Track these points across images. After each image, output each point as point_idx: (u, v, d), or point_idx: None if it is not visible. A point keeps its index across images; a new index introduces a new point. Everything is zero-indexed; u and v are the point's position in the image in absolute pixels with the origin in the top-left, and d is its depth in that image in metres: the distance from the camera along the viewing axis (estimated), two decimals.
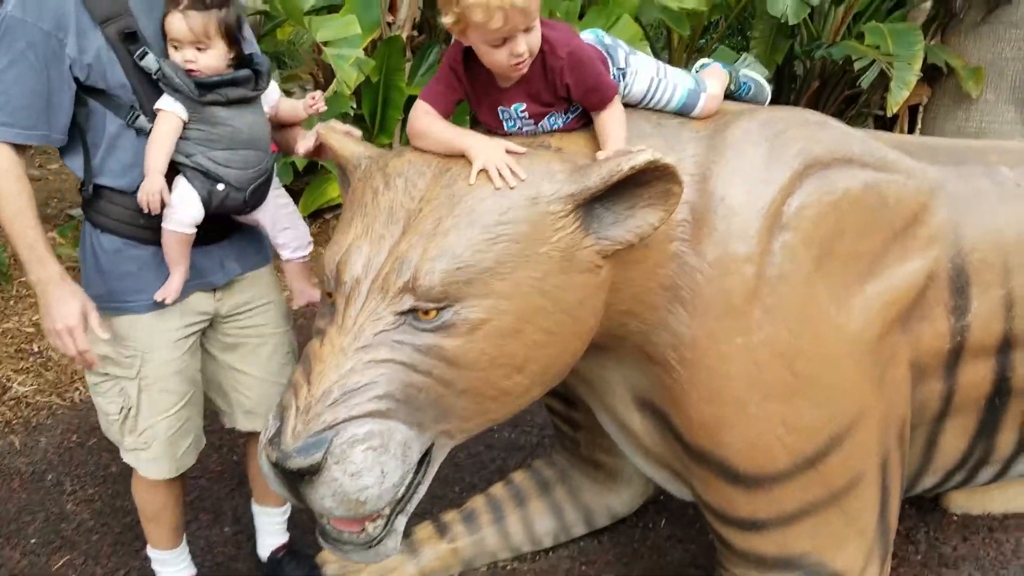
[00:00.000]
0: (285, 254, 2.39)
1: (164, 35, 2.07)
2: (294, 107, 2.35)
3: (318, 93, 2.33)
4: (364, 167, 1.97)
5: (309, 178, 5.65)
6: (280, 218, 2.34)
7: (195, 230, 2.14)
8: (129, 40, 2.02)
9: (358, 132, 2.20)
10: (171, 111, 2.05)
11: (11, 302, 4.39)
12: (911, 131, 6.75)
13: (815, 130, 2.17)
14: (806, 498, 2.12)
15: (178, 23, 2.03)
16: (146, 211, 2.08)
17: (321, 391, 1.68)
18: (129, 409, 2.27)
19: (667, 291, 2.04)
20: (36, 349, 4.07)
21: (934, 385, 2.30)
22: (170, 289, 2.15)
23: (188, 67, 2.06)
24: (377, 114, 5.26)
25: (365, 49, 4.76)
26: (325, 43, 4.26)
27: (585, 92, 1.93)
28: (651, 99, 2.08)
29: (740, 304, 2.01)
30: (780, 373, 2.04)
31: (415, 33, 5.20)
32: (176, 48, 2.06)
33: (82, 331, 2.04)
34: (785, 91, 6.96)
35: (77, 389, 3.83)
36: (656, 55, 5.88)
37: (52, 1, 1.96)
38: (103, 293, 2.18)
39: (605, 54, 2.02)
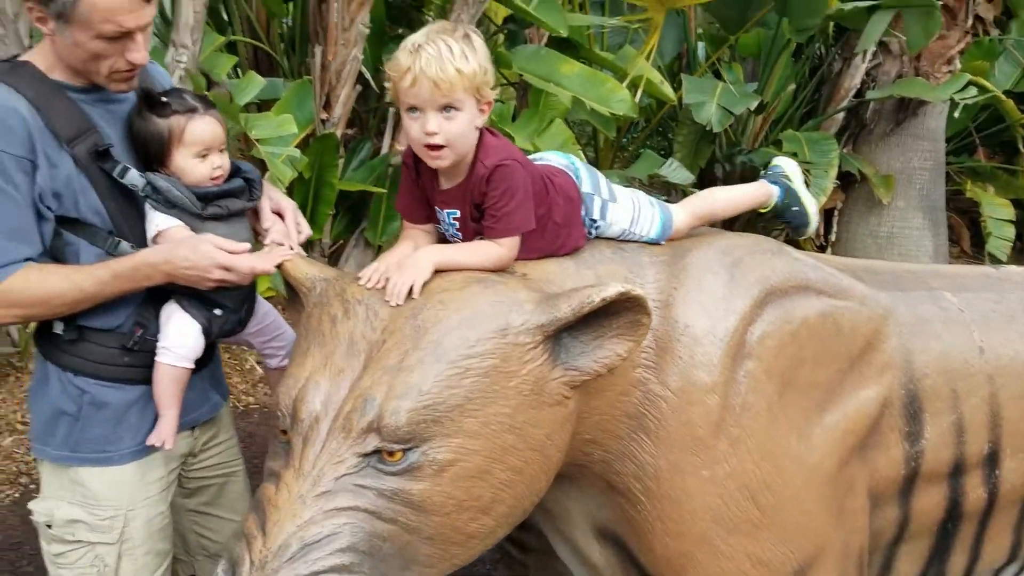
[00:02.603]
0: (274, 363, 2.20)
1: (144, 149, 1.91)
2: (286, 234, 2.07)
3: (302, 221, 2.15)
4: (320, 291, 1.87)
5: None
6: (268, 327, 2.17)
7: (194, 364, 1.95)
8: (101, 158, 1.84)
9: (302, 252, 2.08)
10: (175, 227, 1.86)
11: None
12: (826, 235, 7.02)
13: (771, 258, 2.18)
14: None
15: (207, 127, 1.89)
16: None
17: (277, 545, 1.54)
18: None
19: (631, 419, 1.99)
20: None
21: (889, 512, 2.30)
22: (165, 432, 1.93)
23: (216, 175, 1.92)
24: (308, 209, 5.17)
25: (298, 145, 4.70)
26: (259, 140, 4.18)
27: (489, 212, 1.86)
28: (620, 238, 2.07)
29: (705, 435, 1.97)
30: (745, 507, 2.00)
31: (348, 130, 5.18)
32: (203, 157, 1.90)
33: (238, 257, 1.85)
34: None
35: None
36: (583, 153, 6.01)
37: (17, 123, 1.77)
38: (75, 445, 1.93)
39: (578, 194, 2.00)
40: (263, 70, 5.66)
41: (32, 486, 3.71)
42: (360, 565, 1.59)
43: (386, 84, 1.85)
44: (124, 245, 1.87)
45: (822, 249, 6.96)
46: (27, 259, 1.79)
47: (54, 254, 1.87)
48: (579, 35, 5.81)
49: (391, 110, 5.63)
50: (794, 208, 2.26)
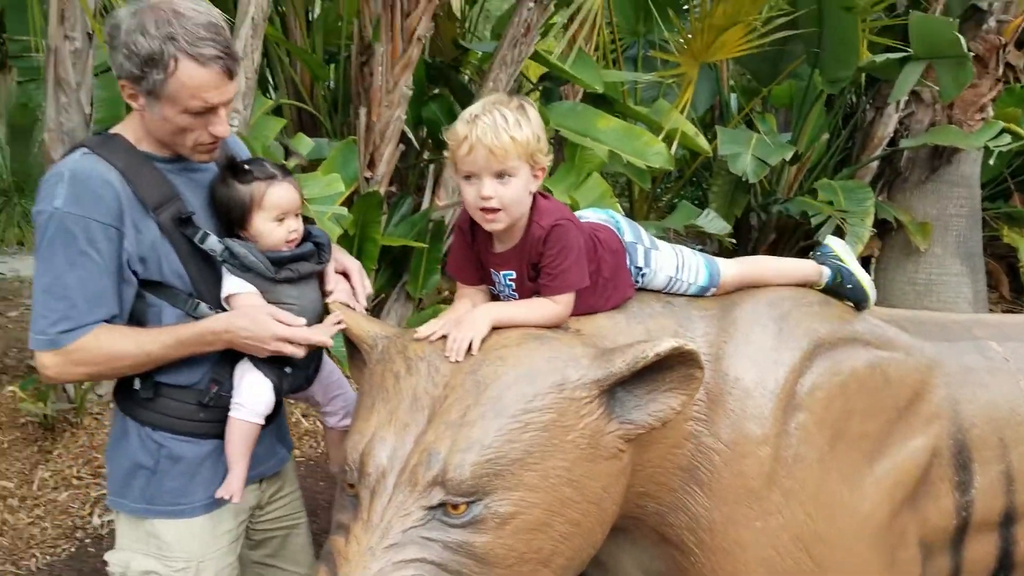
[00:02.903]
0: (332, 421, 2.25)
1: (226, 214, 2.00)
2: (350, 294, 2.16)
3: (366, 280, 2.23)
4: (382, 348, 1.95)
5: None
6: (331, 386, 2.23)
7: (264, 420, 2.02)
8: (184, 225, 1.94)
9: (362, 309, 2.16)
10: (245, 293, 1.95)
11: None
12: None
13: (818, 310, 2.22)
14: None
15: (285, 192, 1.99)
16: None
17: None
18: None
19: (684, 472, 2.02)
20: None
21: (941, 562, 2.30)
22: (234, 486, 1.98)
23: (291, 237, 2.01)
24: None
25: (343, 202, 4.83)
26: (308, 199, 4.31)
27: (546, 271, 1.93)
28: (668, 290, 2.12)
29: (758, 487, 2.00)
30: (799, 558, 2.01)
31: (390, 187, 5.31)
32: (280, 220, 1.99)
33: (294, 329, 1.93)
34: (743, 243, 7.20)
35: (34, 556, 3.61)
36: (618, 204, 6.08)
37: (107, 192, 1.87)
38: (151, 498, 2.00)
39: (621, 243, 2.06)
40: (308, 130, 5.84)
41: (87, 540, 3.78)
42: None
43: (439, 142, 1.94)
44: (203, 307, 1.96)
45: None
46: (101, 321, 1.88)
47: (138, 315, 1.96)
48: (614, 90, 5.93)
49: (431, 167, 5.77)
50: (848, 285, 2.29)
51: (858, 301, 2.30)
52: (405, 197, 5.64)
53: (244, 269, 1.96)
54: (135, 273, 1.92)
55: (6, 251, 7.65)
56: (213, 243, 1.94)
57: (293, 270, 2.01)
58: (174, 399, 1.99)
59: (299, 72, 5.83)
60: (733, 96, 7.76)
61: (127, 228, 1.89)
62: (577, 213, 2.18)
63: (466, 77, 6.71)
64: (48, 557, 3.65)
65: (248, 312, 1.93)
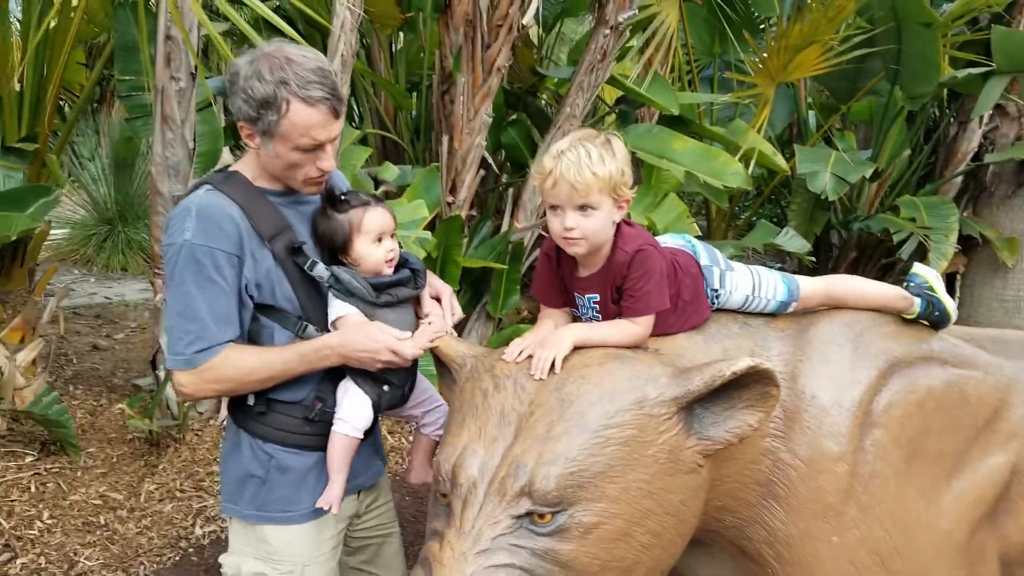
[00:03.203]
0: (428, 430, 2.39)
1: (329, 242, 2.16)
2: (442, 317, 2.29)
3: (456, 304, 2.36)
4: (470, 367, 2.08)
5: None
6: (425, 401, 2.37)
7: (363, 434, 2.17)
8: (295, 254, 2.11)
9: (452, 330, 2.30)
10: (349, 314, 2.10)
11: (79, 473, 4.46)
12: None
13: (894, 329, 2.26)
14: None
15: (380, 215, 2.15)
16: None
17: None
18: None
19: (762, 487, 2.09)
20: (103, 522, 4.10)
21: None
22: (332, 496, 2.14)
23: (390, 257, 2.17)
24: None
25: (426, 226, 5.01)
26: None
27: (628, 293, 2.03)
28: (746, 307, 2.20)
29: (835, 503, 2.05)
30: (876, 573, 2.06)
31: (470, 211, 5.47)
32: (379, 241, 2.15)
33: (402, 342, 2.08)
34: (823, 261, 7.15)
35: (142, 564, 3.84)
36: (696, 223, 6.12)
37: (229, 225, 2.03)
38: (261, 505, 2.17)
39: (698, 266, 2.15)
40: (391, 157, 6.06)
41: (190, 549, 4.00)
42: None
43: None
44: (311, 329, 2.12)
45: None
46: (230, 341, 2.06)
47: (252, 336, 2.14)
48: (690, 111, 5.99)
49: (509, 190, 5.91)
50: (937, 313, 2.32)
51: (940, 324, 2.33)
52: (485, 220, 5.79)
53: (348, 294, 2.11)
54: (251, 297, 2.09)
55: (111, 276, 8.05)
56: (320, 270, 2.10)
57: (392, 295, 2.16)
58: (283, 414, 2.15)
59: (383, 102, 6.05)
60: (812, 113, 7.72)
61: (246, 257, 2.06)
62: (657, 239, 2.28)
63: (543, 102, 6.85)
64: (155, 565, 3.87)
65: (359, 328, 2.09)
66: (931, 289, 2.31)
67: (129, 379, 5.59)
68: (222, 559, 2.24)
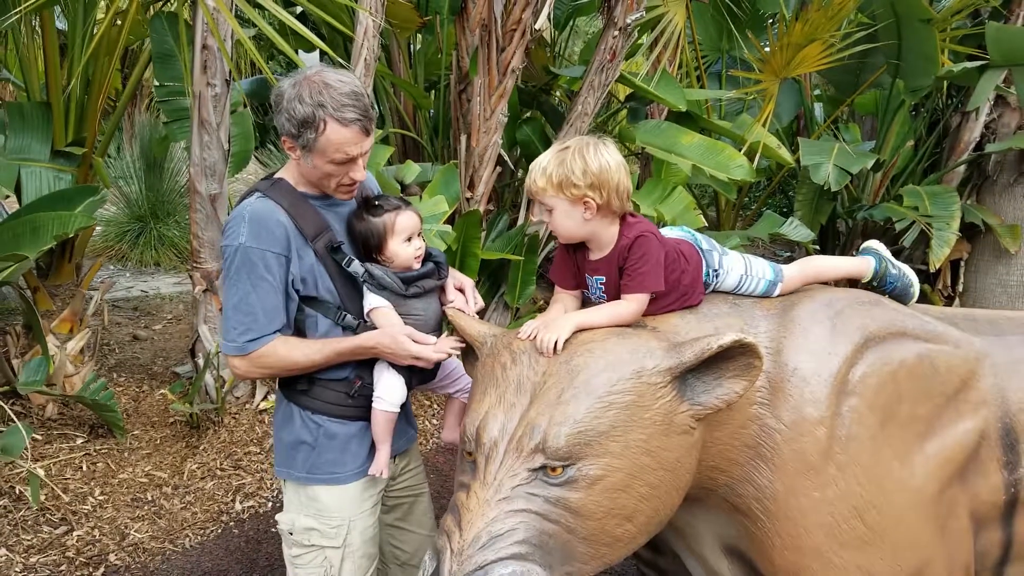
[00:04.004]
0: (457, 395, 2.70)
1: (365, 243, 2.43)
2: (464, 305, 2.56)
3: (477, 295, 2.65)
4: (491, 344, 2.35)
5: None
6: (452, 372, 2.66)
7: (399, 408, 2.46)
8: (334, 252, 2.39)
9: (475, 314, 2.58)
10: (382, 307, 2.38)
11: (125, 453, 4.77)
12: (954, 285, 7.06)
13: (869, 308, 2.51)
14: None
15: (409, 218, 2.43)
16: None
17: (471, 537, 2.00)
18: None
19: (750, 449, 2.34)
20: (150, 498, 4.41)
21: (993, 534, 2.54)
22: (381, 464, 2.44)
23: (418, 254, 2.45)
24: None
25: (446, 220, 5.26)
26: None
27: (626, 273, 2.30)
28: (738, 290, 2.47)
29: (816, 462, 2.30)
30: (854, 524, 2.30)
31: (488, 206, 5.72)
32: (409, 240, 2.43)
33: (425, 348, 2.35)
34: (829, 249, 7.35)
35: (187, 536, 4.15)
36: (704, 213, 6.34)
37: (278, 229, 2.30)
38: (312, 468, 2.44)
39: (699, 254, 2.42)
40: (411, 154, 6.32)
41: (231, 523, 4.30)
42: (532, 555, 2.02)
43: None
44: (349, 318, 2.41)
45: (950, 300, 7.00)
46: (277, 332, 2.34)
47: (298, 324, 2.42)
48: (697, 107, 6.21)
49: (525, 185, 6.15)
50: (893, 271, 2.61)
51: (904, 289, 2.64)
52: (502, 214, 6.05)
53: (380, 288, 2.40)
54: (297, 291, 2.37)
55: (145, 271, 8.37)
56: (356, 267, 2.39)
57: (419, 286, 2.45)
58: (329, 388, 2.44)
59: (403, 101, 6.30)
60: (818, 106, 7.90)
61: (293, 255, 2.34)
62: (663, 231, 2.55)
63: (556, 100, 7.08)
64: (199, 537, 4.18)
65: (391, 333, 2.37)
66: (878, 252, 2.67)
67: (168, 367, 5.90)
68: (278, 517, 2.53)
